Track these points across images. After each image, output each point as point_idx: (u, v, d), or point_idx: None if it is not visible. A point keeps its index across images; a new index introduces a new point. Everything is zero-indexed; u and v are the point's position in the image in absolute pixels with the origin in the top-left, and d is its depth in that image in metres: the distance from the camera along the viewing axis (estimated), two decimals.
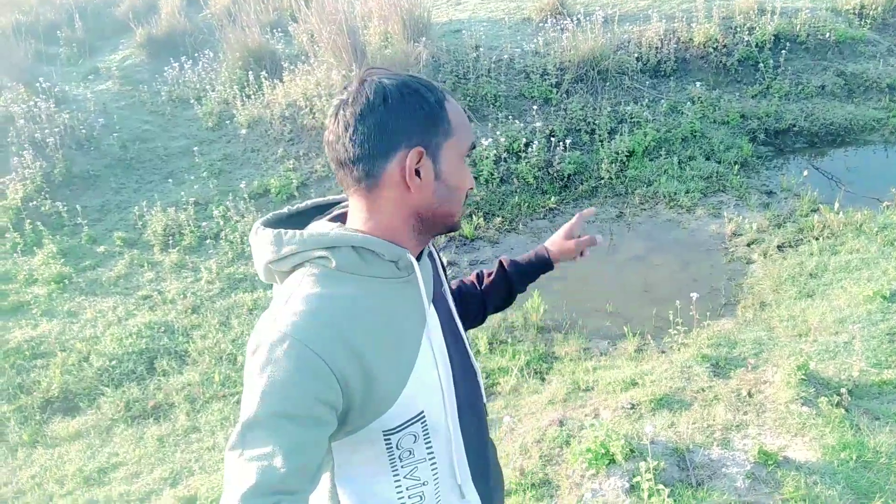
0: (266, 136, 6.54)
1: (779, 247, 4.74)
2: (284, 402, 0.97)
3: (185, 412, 3.87)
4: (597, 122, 6.19)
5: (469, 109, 6.38)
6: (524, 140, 5.92)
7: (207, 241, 5.44)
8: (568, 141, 5.88)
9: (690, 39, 6.88)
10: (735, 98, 6.53)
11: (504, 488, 1.50)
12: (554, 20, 7.25)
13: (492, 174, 5.67)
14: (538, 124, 6.07)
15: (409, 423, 1.12)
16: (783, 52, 6.68)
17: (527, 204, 5.55)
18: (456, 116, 1.12)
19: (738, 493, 2.55)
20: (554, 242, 1.63)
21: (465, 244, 5.21)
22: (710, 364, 3.46)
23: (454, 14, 8.07)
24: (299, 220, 1.21)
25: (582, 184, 5.75)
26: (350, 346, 1.02)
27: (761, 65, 6.68)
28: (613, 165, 5.78)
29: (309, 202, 1.26)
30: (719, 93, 6.57)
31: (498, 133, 5.98)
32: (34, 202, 5.88)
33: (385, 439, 1.12)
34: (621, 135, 6.00)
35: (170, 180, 6.23)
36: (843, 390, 2.98)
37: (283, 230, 1.11)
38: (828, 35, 6.88)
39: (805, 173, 5.49)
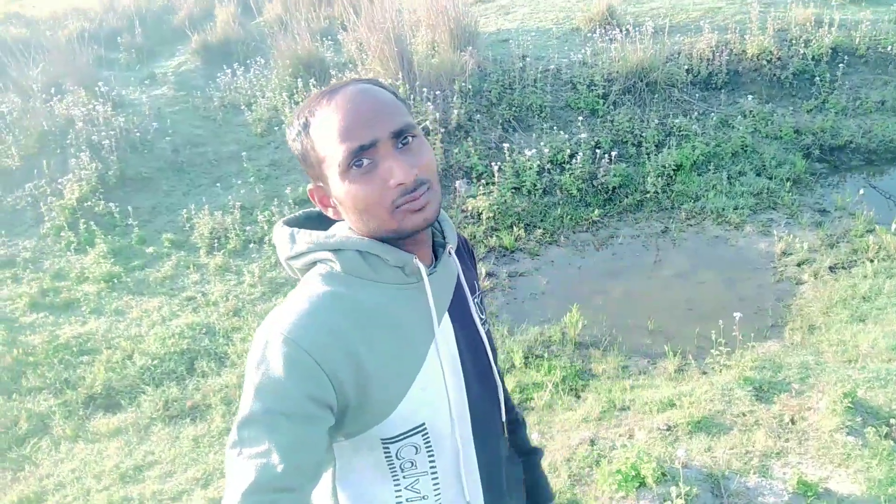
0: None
1: (831, 268, 4.57)
2: (278, 400, 0.97)
3: (221, 414, 3.92)
4: (644, 134, 6.08)
5: (514, 119, 6.36)
6: (569, 151, 5.86)
7: (251, 245, 5.53)
8: (613, 153, 5.80)
9: (743, 51, 6.72)
10: (789, 112, 6.34)
11: None
12: (603, 30, 7.18)
13: (535, 185, 5.62)
14: (583, 136, 6.00)
15: (409, 433, 1.10)
16: (841, 65, 6.47)
17: (569, 216, 5.48)
18: (321, 132, 1.04)
19: None
20: None
21: (504, 255, 5.17)
22: (753, 387, 3.35)
23: (502, 24, 8.06)
24: (329, 218, 1.21)
25: (627, 197, 5.65)
26: (346, 348, 1.02)
27: (817, 78, 6.47)
28: (660, 179, 5.67)
29: None
30: (772, 107, 6.39)
31: (542, 144, 5.93)
32: (89, 202, 6.07)
33: (384, 448, 1.11)
34: (669, 148, 5.89)
35: (218, 184, 6.36)
36: (892, 421, 2.84)
37: (296, 230, 1.14)
38: (889, 48, 6.63)
39: (861, 192, 5.29)
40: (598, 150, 5.88)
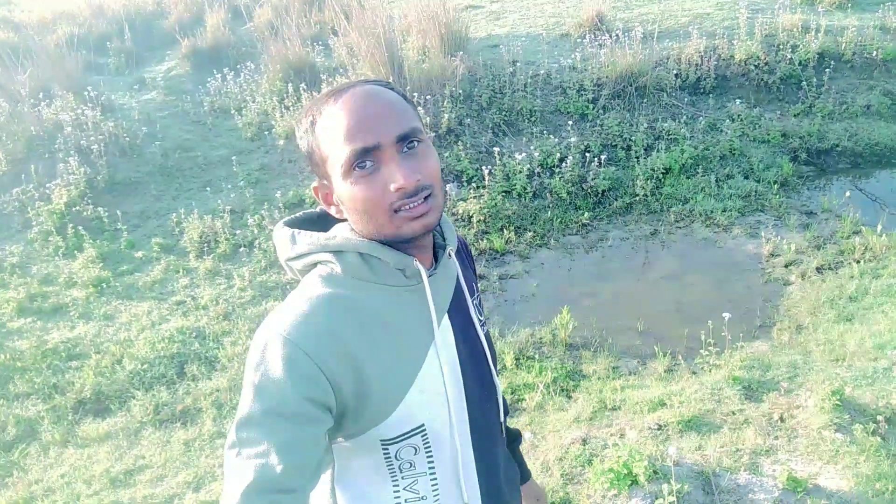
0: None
1: (818, 269, 4.61)
2: (277, 401, 0.97)
3: (212, 417, 3.91)
4: (633, 138, 6.12)
5: (504, 124, 6.38)
6: (558, 155, 5.89)
7: (241, 249, 5.52)
8: (603, 157, 5.83)
9: (731, 56, 6.78)
10: (776, 116, 6.40)
11: None
12: (592, 36, 7.22)
13: (525, 188, 5.65)
14: (573, 139, 6.03)
15: (409, 434, 1.10)
16: (827, 70, 6.54)
17: (559, 219, 5.50)
18: (326, 133, 1.04)
19: None
20: (529, 490, 1.57)
21: (495, 258, 5.19)
22: (742, 387, 3.37)
23: (493, 29, 8.10)
24: (329, 219, 1.21)
25: (616, 200, 5.68)
26: (344, 348, 1.02)
27: (804, 83, 6.54)
28: (649, 182, 5.70)
29: None
30: (760, 111, 6.45)
31: (532, 148, 5.96)
32: (77, 207, 6.04)
33: (383, 449, 1.11)
34: (658, 151, 5.93)
35: (208, 189, 6.35)
36: (880, 418, 2.87)
37: (297, 231, 1.14)
38: (875, 53, 6.71)
39: (847, 194, 5.34)
40: (587, 154, 5.92)
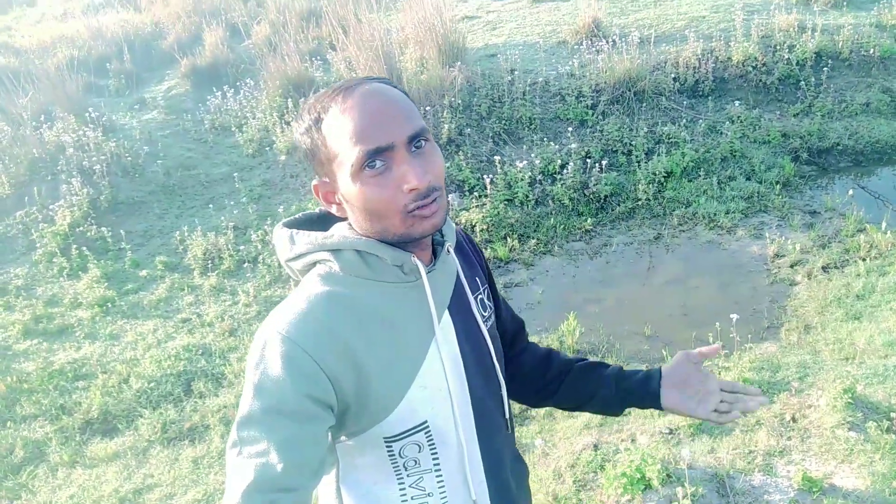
0: (304, 161, 6.63)
1: (824, 268, 4.59)
2: (276, 399, 0.97)
3: (220, 434, 3.89)
4: (633, 143, 6.13)
5: (504, 132, 6.39)
6: (559, 162, 5.90)
7: (245, 265, 5.51)
8: (604, 162, 5.83)
9: (729, 58, 6.79)
10: (776, 117, 6.40)
11: None
12: (589, 42, 7.25)
13: (527, 196, 5.65)
14: (574, 146, 6.04)
15: (411, 431, 1.10)
16: (825, 69, 6.54)
17: (562, 226, 5.50)
18: (333, 131, 1.02)
19: None
20: (671, 378, 1.35)
21: (499, 266, 5.18)
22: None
23: (490, 39, 8.13)
24: (330, 219, 1.21)
25: (619, 205, 5.68)
26: (343, 346, 1.01)
27: (802, 83, 6.55)
28: (651, 186, 5.70)
29: None
30: (759, 112, 6.45)
31: (533, 155, 5.96)
32: (81, 228, 6.06)
33: (387, 446, 1.10)
34: (659, 155, 5.92)
35: (210, 206, 6.36)
36: (893, 415, 2.85)
37: (295, 231, 1.14)
38: (872, 51, 6.72)
39: (850, 193, 5.33)
40: (588, 160, 5.92)
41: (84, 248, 5.80)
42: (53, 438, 4.03)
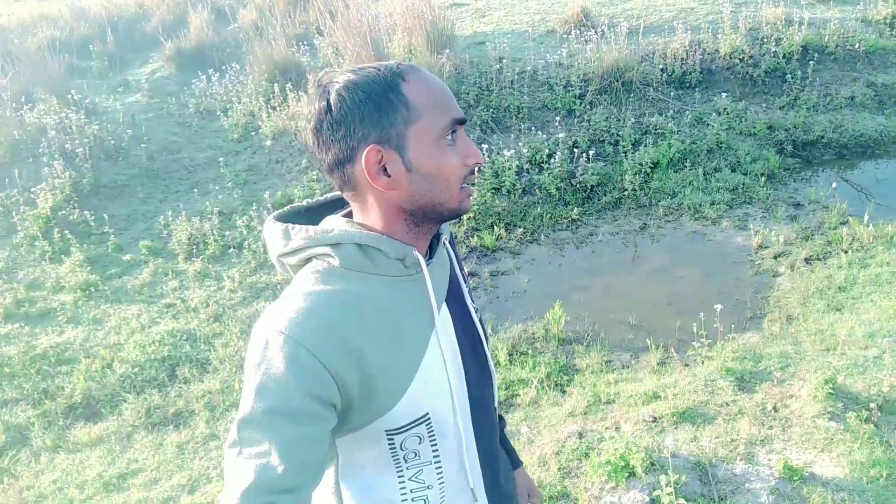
0: (290, 147, 6.59)
1: (806, 259, 4.64)
2: (278, 400, 0.96)
3: (205, 420, 3.88)
4: (620, 133, 6.14)
5: (492, 121, 6.38)
6: (547, 151, 5.90)
7: (231, 251, 5.48)
8: (591, 152, 5.85)
9: (716, 51, 6.82)
10: (762, 109, 6.44)
11: (517, 493, 1.46)
12: (578, 32, 7.24)
13: (514, 185, 5.65)
14: (561, 135, 6.04)
15: (414, 424, 1.10)
16: (811, 63, 6.59)
17: (549, 215, 5.51)
18: (420, 97, 1.03)
19: None
20: (520, 480, 1.54)
21: (486, 255, 5.19)
22: (735, 378, 3.39)
23: (478, 27, 8.10)
24: (319, 211, 1.20)
25: (605, 195, 5.70)
26: (347, 343, 1.00)
27: (789, 76, 6.59)
28: (637, 177, 5.72)
29: (329, 195, 1.25)
30: (746, 104, 6.49)
31: (521, 144, 5.96)
32: (63, 211, 5.98)
33: (388, 439, 1.10)
34: (645, 146, 5.95)
35: (195, 190, 6.30)
36: (872, 405, 2.89)
37: (290, 225, 1.11)
38: (857, 46, 6.77)
39: (834, 185, 5.39)
40: (575, 150, 5.93)
41: (66, 232, 5.74)
42: (36, 423, 4.00)
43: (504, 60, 6.85)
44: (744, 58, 6.72)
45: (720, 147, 6.03)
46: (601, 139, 6.18)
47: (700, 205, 5.42)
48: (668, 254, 5.06)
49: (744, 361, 3.56)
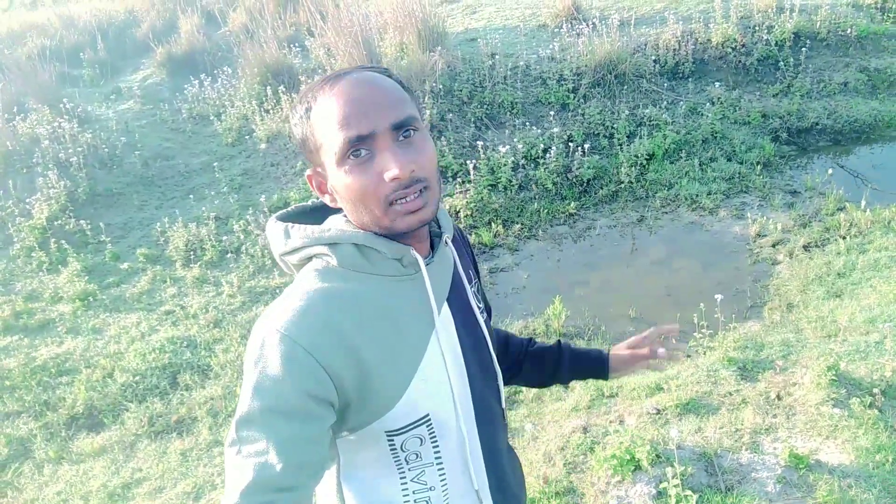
0: (285, 149, 6.58)
1: (805, 247, 4.64)
2: (275, 398, 0.96)
3: (208, 426, 3.87)
4: (615, 125, 6.13)
5: (486, 117, 6.37)
6: (542, 146, 5.89)
7: (228, 256, 5.47)
8: (586, 146, 5.84)
9: (708, 40, 6.81)
10: (756, 98, 6.44)
11: (527, 498, 1.45)
12: (569, 25, 7.23)
13: (510, 181, 5.64)
14: (556, 130, 6.03)
15: (414, 425, 1.09)
16: (803, 49, 6.58)
17: (546, 210, 5.50)
18: (318, 120, 1.01)
19: (769, 497, 2.47)
20: (617, 349, 1.52)
21: (484, 252, 5.18)
22: (737, 367, 3.39)
23: (469, 23, 8.08)
24: (324, 212, 1.19)
25: (601, 188, 5.69)
26: (344, 342, 1.00)
27: (781, 63, 6.58)
28: (633, 169, 5.72)
29: None
30: (739, 93, 6.49)
31: (515, 140, 5.95)
32: (59, 221, 5.97)
33: (389, 440, 1.09)
34: (640, 138, 5.94)
35: (191, 196, 6.29)
36: (875, 391, 2.89)
37: (290, 224, 1.11)
38: (849, 31, 6.77)
39: (830, 172, 5.38)
40: (570, 144, 5.92)
41: (63, 242, 5.72)
42: (38, 435, 3.99)
43: (496, 56, 6.83)
44: (736, 46, 6.71)
45: (715, 137, 6.02)
46: (596, 132, 6.17)
47: (697, 195, 5.42)
48: (666, 245, 5.05)
49: (745, 351, 3.56)
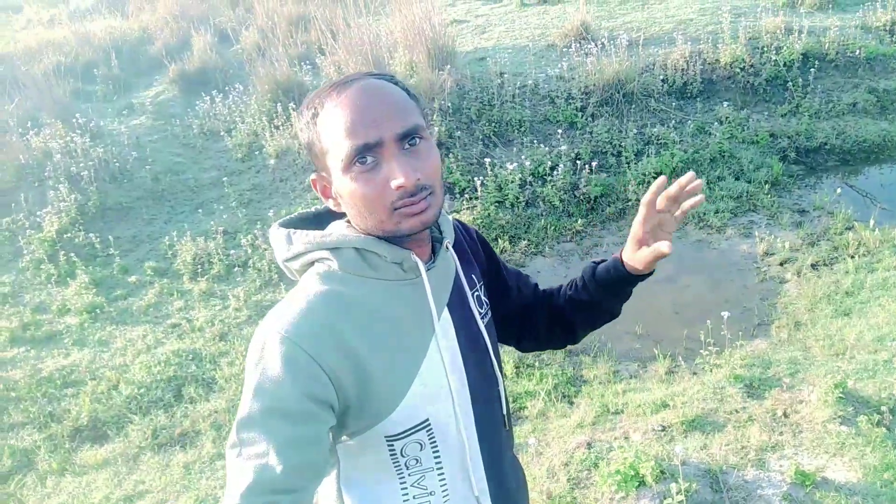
0: (294, 165, 6.62)
1: (813, 265, 4.62)
2: (275, 400, 0.96)
3: (212, 439, 3.86)
4: (623, 144, 6.14)
5: (494, 135, 6.40)
6: (549, 164, 5.91)
7: (235, 270, 5.49)
8: (594, 164, 5.85)
9: (717, 60, 6.83)
10: (764, 118, 6.44)
11: (528, 501, 1.43)
12: (578, 45, 7.27)
13: (517, 198, 5.65)
14: (563, 148, 6.05)
15: (413, 430, 1.09)
16: (812, 70, 6.59)
17: (553, 227, 5.50)
18: (326, 126, 1.02)
19: None
20: (626, 250, 1.33)
21: None
22: (744, 385, 3.36)
23: (479, 42, 8.14)
24: (327, 217, 1.20)
25: (609, 206, 5.69)
26: (344, 345, 1.00)
27: (790, 84, 6.59)
28: (641, 187, 5.71)
29: None
30: (747, 112, 6.49)
31: (523, 157, 5.97)
32: (69, 234, 6.01)
33: (389, 445, 1.09)
34: (648, 156, 5.95)
35: (200, 211, 6.33)
36: (883, 408, 2.86)
37: (293, 230, 1.13)
38: (858, 52, 6.78)
39: (838, 191, 5.37)
40: (578, 162, 5.93)
41: (72, 255, 5.76)
42: (42, 446, 3.98)
43: (505, 75, 6.88)
44: (744, 67, 6.73)
45: (723, 156, 6.02)
46: (603, 150, 6.18)
47: (704, 213, 5.40)
48: (673, 263, 5.03)
49: (752, 368, 3.53)
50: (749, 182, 5.74)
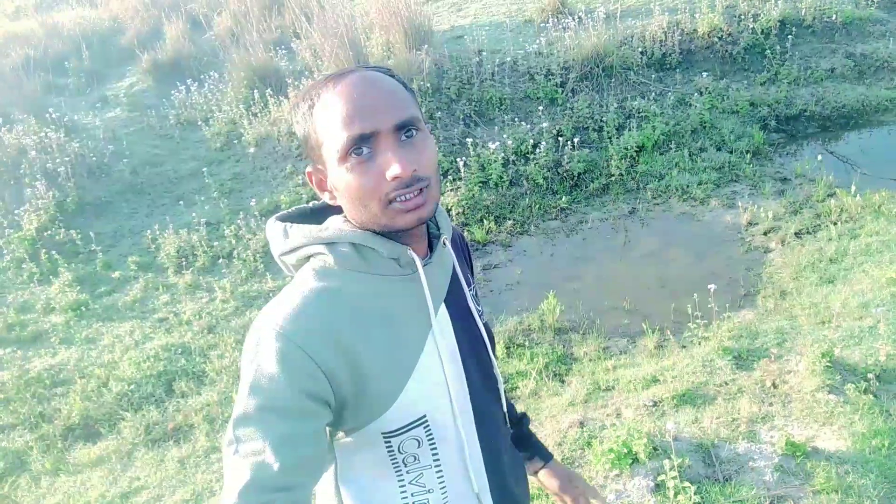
0: (274, 153, 6.56)
1: (796, 234, 4.65)
2: (271, 397, 0.96)
3: (205, 433, 3.85)
4: (604, 119, 6.13)
5: (475, 114, 6.36)
6: (532, 141, 5.89)
7: (220, 261, 5.45)
8: (576, 140, 5.84)
9: (694, 31, 6.81)
10: (743, 86, 6.45)
11: (529, 501, 1.43)
12: (555, 20, 7.22)
13: (501, 177, 5.63)
14: (545, 125, 6.03)
15: (410, 426, 1.08)
16: (790, 37, 6.59)
17: (538, 205, 5.50)
18: (321, 118, 1.01)
19: (767, 486, 2.48)
20: (555, 474, 1.51)
21: (477, 249, 5.17)
22: (732, 356, 3.39)
23: (455, 20, 8.06)
24: (325, 212, 1.18)
25: (592, 182, 5.69)
26: (339, 341, 1.00)
27: (768, 51, 6.59)
28: (623, 161, 5.72)
29: None
30: (727, 82, 6.50)
31: (505, 136, 5.94)
32: (49, 232, 5.93)
33: (386, 442, 1.08)
34: (630, 130, 5.94)
35: (181, 202, 6.26)
36: (870, 376, 2.90)
37: (289, 224, 1.11)
38: (834, 17, 6.79)
39: (819, 158, 5.39)
40: (560, 138, 5.92)
41: (53, 252, 5.69)
42: (34, 447, 3.96)
43: (483, 53, 6.83)
44: (722, 36, 6.72)
45: (704, 127, 6.03)
46: (585, 126, 6.17)
47: (687, 186, 5.42)
48: (658, 237, 5.06)
49: (740, 340, 3.57)
50: (731, 152, 5.76)
